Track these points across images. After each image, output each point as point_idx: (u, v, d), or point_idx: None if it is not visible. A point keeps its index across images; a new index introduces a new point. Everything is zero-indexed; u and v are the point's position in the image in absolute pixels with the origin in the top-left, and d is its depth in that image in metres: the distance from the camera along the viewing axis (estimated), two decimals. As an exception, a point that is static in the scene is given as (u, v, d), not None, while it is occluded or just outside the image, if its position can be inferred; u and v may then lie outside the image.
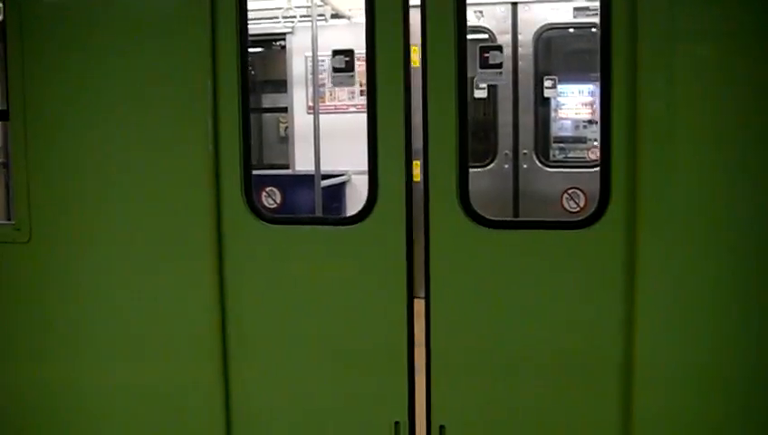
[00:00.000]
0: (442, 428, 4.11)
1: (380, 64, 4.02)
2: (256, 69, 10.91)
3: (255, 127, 11.29)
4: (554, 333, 3.94)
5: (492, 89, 9.37)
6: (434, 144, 3.97)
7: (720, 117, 3.66)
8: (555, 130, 10.39)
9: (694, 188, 3.70)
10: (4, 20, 4.59)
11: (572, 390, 3.95)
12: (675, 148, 3.69)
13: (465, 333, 4.04)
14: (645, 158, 3.68)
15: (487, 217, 3.98)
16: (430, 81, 3.96)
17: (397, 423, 4.16)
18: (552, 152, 10.09)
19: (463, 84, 3.96)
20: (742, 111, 3.63)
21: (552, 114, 10.26)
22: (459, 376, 4.07)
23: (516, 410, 4.04)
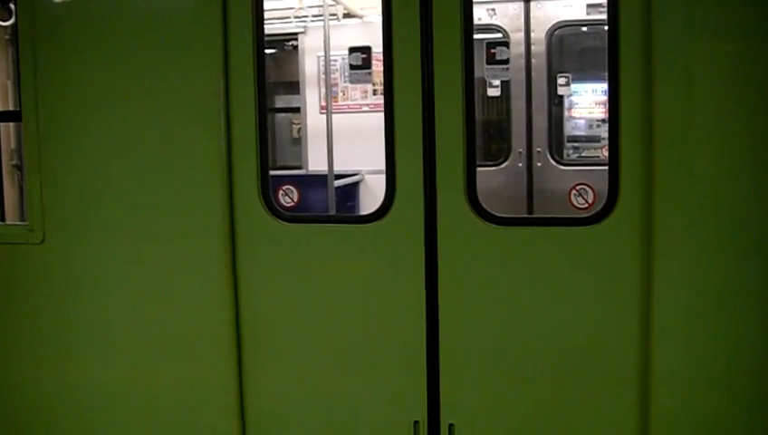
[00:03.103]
0: (451, 426, 4.09)
1: (397, 63, 4.00)
2: (268, 70, 10.89)
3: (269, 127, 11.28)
4: (565, 330, 3.92)
5: (505, 87, 9.33)
6: (441, 141, 3.96)
7: (737, 113, 3.62)
8: (569, 130, 10.34)
9: (710, 186, 3.67)
10: (15, 21, 4.59)
11: (585, 389, 3.92)
12: (691, 144, 3.65)
13: (474, 330, 4.02)
14: (660, 154, 3.64)
15: (495, 213, 3.97)
16: (437, 78, 3.94)
17: (416, 422, 4.14)
18: (565, 151, 10.05)
19: (470, 81, 3.94)
20: (760, 108, 3.60)
21: (566, 113, 10.21)
22: (469, 374, 4.06)
23: (527, 408, 4.02)
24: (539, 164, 9.31)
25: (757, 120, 3.60)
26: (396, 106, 4.00)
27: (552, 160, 9.31)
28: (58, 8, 4.41)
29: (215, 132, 4.16)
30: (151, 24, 4.28)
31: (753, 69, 3.60)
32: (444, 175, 3.96)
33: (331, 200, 8.57)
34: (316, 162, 9.63)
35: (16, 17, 4.53)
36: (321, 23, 8.63)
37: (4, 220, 6.73)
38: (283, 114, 11.60)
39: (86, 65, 4.36)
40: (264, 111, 4.20)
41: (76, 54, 4.38)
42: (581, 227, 3.86)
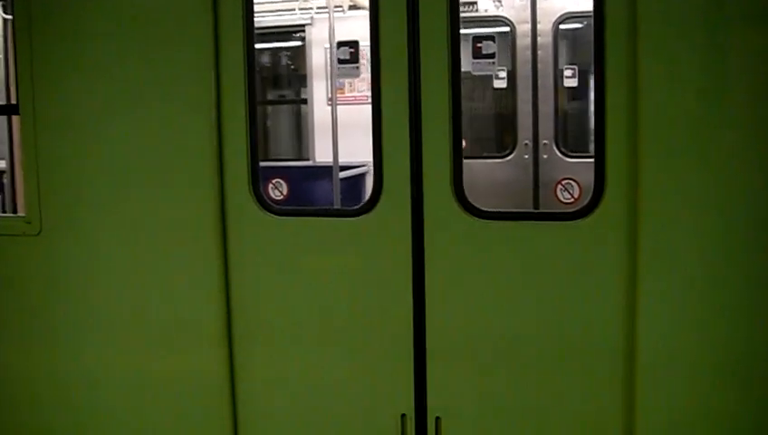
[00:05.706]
0: (438, 419, 4.11)
1: (384, 56, 4.01)
2: (276, 62, 10.95)
3: (276, 118, 11.39)
4: (551, 324, 3.90)
5: (511, 78, 9.32)
6: (428, 135, 3.96)
7: (724, 105, 3.60)
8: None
9: (696, 179, 3.64)
10: (13, 15, 4.63)
11: (571, 381, 3.91)
12: (677, 138, 3.64)
13: (460, 324, 4.01)
14: (645, 148, 3.63)
15: (481, 207, 3.97)
16: (424, 71, 3.94)
17: (403, 416, 4.16)
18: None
19: (457, 74, 3.93)
20: (747, 99, 3.57)
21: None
22: (455, 368, 4.05)
23: (514, 401, 4.01)
24: (545, 156, 9.30)
25: (749, 111, 3.57)
26: (383, 99, 4.01)
27: (558, 152, 9.30)
28: (55, 1, 4.43)
29: (206, 124, 4.19)
30: (144, 15, 4.30)
31: (740, 61, 3.58)
32: (430, 169, 3.97)
33: (336, 192, 8.59)
34: (323, 154, 9.66)
35: (13, 11, 4.57)
36: (328, 14, 8.65)
37: (16, 212, 6.79)
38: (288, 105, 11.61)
39: (80, 58, 4.39)
40: (254, 103, 4.21)
41: (71, 47, 4.40)
42: (568, 222, 3.87)
